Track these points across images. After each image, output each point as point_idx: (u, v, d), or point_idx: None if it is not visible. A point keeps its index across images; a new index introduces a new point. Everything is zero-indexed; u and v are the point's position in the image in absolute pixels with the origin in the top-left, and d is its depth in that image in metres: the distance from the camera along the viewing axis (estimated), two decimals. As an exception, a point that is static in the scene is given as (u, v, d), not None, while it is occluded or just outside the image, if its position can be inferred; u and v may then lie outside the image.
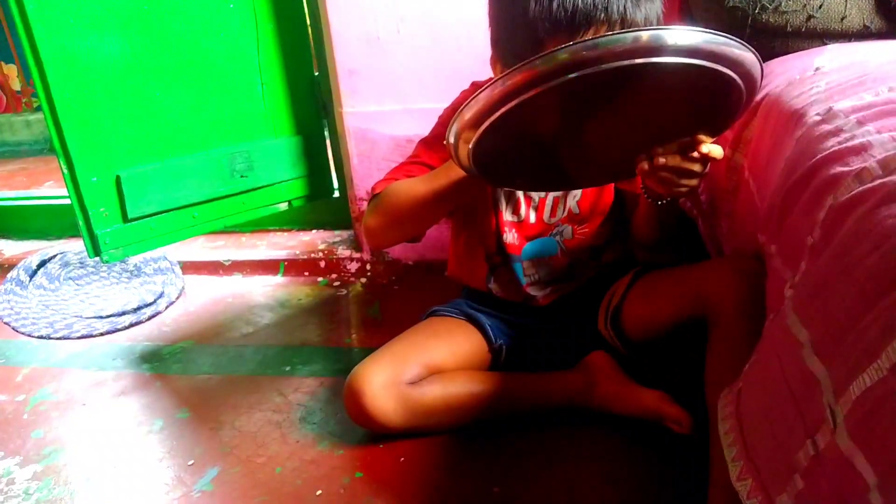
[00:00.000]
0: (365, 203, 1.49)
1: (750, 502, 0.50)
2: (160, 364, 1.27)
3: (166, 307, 1.52)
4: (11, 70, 3.83)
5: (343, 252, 1.63)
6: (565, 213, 1.01)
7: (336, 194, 1.65)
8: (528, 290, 1.03)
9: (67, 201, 1.27)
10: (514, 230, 1.01)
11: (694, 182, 0.75)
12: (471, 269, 1.07)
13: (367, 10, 1.38)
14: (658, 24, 0.78)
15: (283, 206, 1.53)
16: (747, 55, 0.61)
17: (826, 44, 0.94)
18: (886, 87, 0.62)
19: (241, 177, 1.42)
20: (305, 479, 0.90)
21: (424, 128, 1.01)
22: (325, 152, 1.58)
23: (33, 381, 1.24)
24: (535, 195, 1.00)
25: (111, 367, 1.27)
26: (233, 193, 1.43)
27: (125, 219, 1.29)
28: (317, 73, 1.53)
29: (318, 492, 0.87)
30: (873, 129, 0.54)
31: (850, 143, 0.54)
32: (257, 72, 1.42)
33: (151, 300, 1.51)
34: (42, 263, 1.68)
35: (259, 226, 1.81)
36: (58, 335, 1.42)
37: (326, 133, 1.58)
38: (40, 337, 1.42)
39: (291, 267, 1.65)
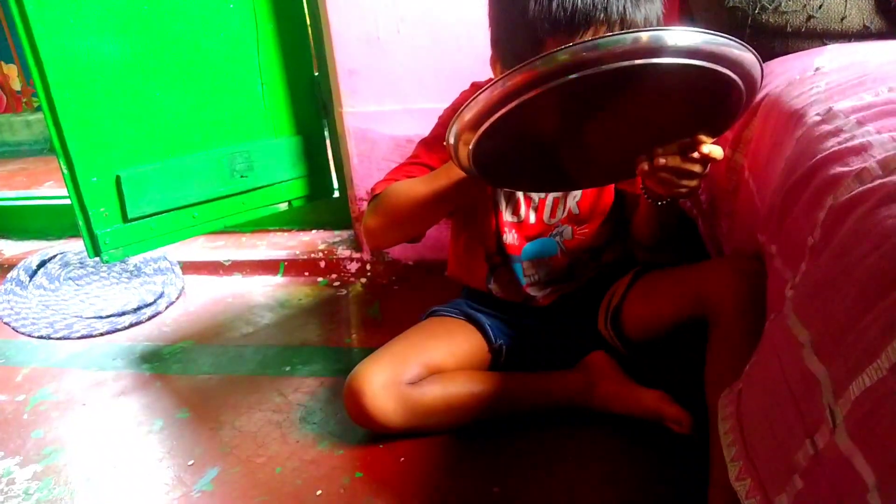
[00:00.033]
0: (365, 203, 1.49)
1: (749, 502, 0.50)
2: (160, 364, 1.27)
3: (166, 307, 1.52)
4: (12, 70, 3.83)
5: (343, 252, 1.63)
6: (565, 214, 1.01)
7: (336, 194, 1.65)
8: (527, 290, 1.03)
9: (67, 201, 1.27)
10: (513, 230, 1.01)
11: (694, 183, 0.75)
12: (471, 269, 1.07)
13: (367, 10, 1.38)
14: (658, 25, 0.78)
15: (283, 206, 1.53)
16: (747, 56, 0.61)
17: (826, 44, 0.94)
18: (886, 88, 0.62)
19: (241, 177, 1.42)
20: (305, 479, 0.90)
21: (424, 128, 1.01)
22: (325, 152, 1.59)
23: (33, 381, 1.24)
24: (535, 196, 1.00)
25: (111, 367, 1.27)
26: (233, 193, 1.43)
27: (125, 219, 1.29)
28: (317, 73, 1.53)
29: (318, 492, 0.87)
30: (873, 130, 0.54)
31: (850, 144, 0.54)
32: (257, 72, 1.42)
33: (151, 300, 1.51)
34: (42, 263, 1.68)
35: (259, 226, 1.82)
36: (58, 335, 1.42)
37: (326, 133, 1.58)
38: (40, 337, 1.42)
39: (291, 267, 1.65)
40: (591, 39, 0.57)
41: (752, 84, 0.64)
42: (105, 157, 1.25)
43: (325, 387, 1.13)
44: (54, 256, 1.70)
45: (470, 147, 0.68)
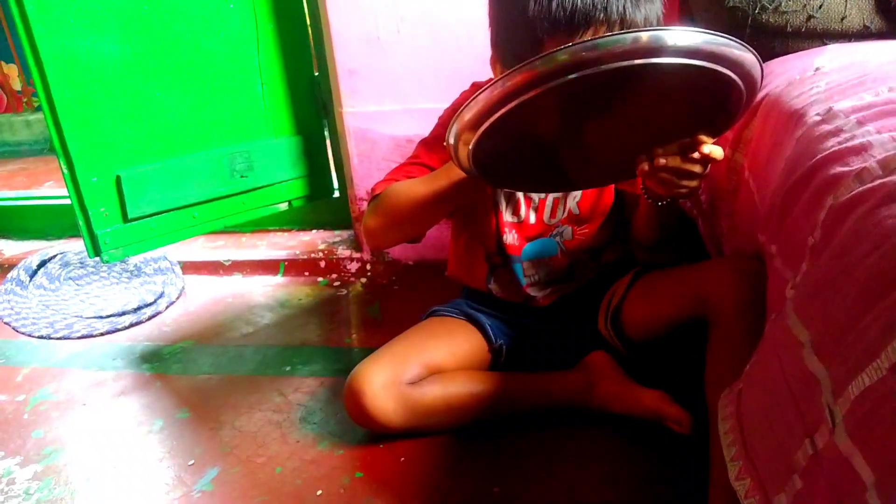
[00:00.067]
0: (365, 203, 1.49)
1: (748, 502, 0.50)
2: (160, 364, 1.27)
3: (166, 307, 1.52)
4: (12, 70, 3.83)
5: (343, 252, 1.63)
6: (565, 214, 1.01)
7: (336, 194, 1.65)
8: (528, 290, 1.03)
9: (67, 201, 1.27)
10: (514, 231, 1.01)
11: (694, 183, 0.75)
12: (471, 269, 1.07)
13: (367, 10, 1.38)
14: (658, 25, 0.78)
15: (284, 206, 1.53)
16: (747, 56, 0.61)
17: (826, 44, 0.94)
18: (886, 87, 0.62)
19: (242, 177, 1.42)
20: (305, 479, 0.90)
21: (424, 128, 1.01)
22: (325, 152, 1.59)
23: (33, 381, 1.25)
24: (535, 196, 1.00)
25: (111, 367, 1.27)
26: (233, 193, 1.43)
27: (125, 219, 1.29)
28: (317, 73, 1.53)
29: (319, 492, 0.87)
30: (873, 130, 0.54)
31: (850, 144, 0.54)
32: (257, 72, 1.42)
33: (151, 300, 1.51)
34: (42, 263, 1.68)
35: (259, 226, 1.82)
36: (58, 335, 1.42)
37: (326, 133, 1.58)
38: (40, 337, 1.42)
39: (291, 267, 1.65)
40: (591, 39, 0.57)
41: (752, 84, 0.64)
42: (105, 157, 1.25)
43: (326, 387, 1.13)
44: (54, 256, 1.70)
45: (470, 147, 0.68)
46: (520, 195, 1.00)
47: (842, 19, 0.93)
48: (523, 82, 0.59)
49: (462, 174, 0.81)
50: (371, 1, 1.37)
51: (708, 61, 0.59)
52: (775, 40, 0.97)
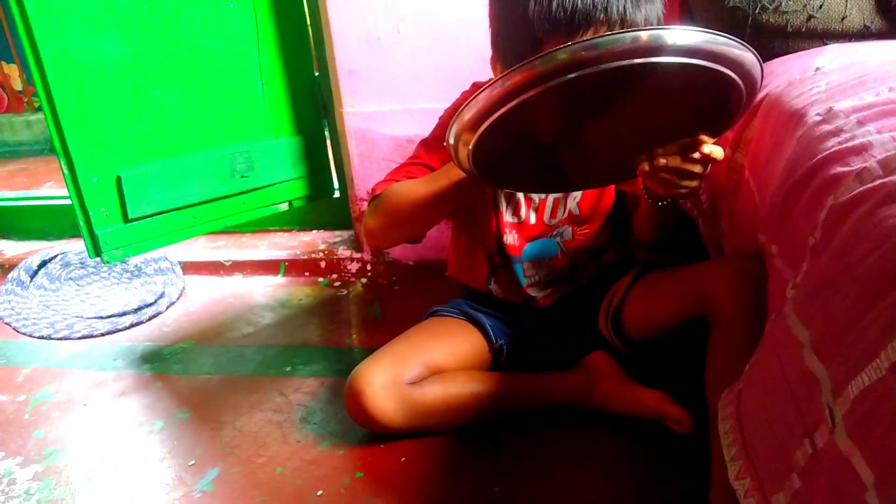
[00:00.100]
0: (365, 203, 1.49)
1: (747, 501, 0.50)
2: (161, 364, 1.27)
3: (167, 307, 1.52)
4: (12, 70, 3.83)
5: (343, 252, 1.63)
6: (566, 215, 1.01)
7: (336, 194, 1.65)
8: (528, 290, 1.03)
9: (68, 201, 1.27)
10: (514, 231, 1.01)
11: (694, 183, 0.75)
12: (471, 269, 1.07)
13: (367, 10, 1.38)
14: (658, 25, 0.78)
15: (284, 207, 1.53)
16: (747, 55, 0.61)
17: (826, 44, 0.94)
18: (887, 87, 0.62)
19: (242, 177, 1.42)
20: (306, 479, 0.90)
21: (424, 128, 1.01)
22: (326, 152, 1.59)
23: (34, 381, 1.25)
24: (536, 196, 1.00)
25: (112, 368, 1.27)
26: (233, 193, 1.43)
27: (126, 219, 1.29)
28: (317, 73, 1.54)
29: (319, 492, 0.87)
30: (874, 129, 0.54)
31: (850, 143, 0.54)
32: (257, 72, 1.42)
33: (152, 300, 1.51)
34: (43, 264, 1.68)
35: (259, 226, 1.82)
36: (59, 335, 1.42)
37: (326, 133, 1.58)
38: (41, 337, 1.43)
39: (292, 267, 1.65)
40: (590, 38, 0.57)
41: (752, 84, 0.64)
42: (105, 157, 1.25)
43: (326, 387, 1.13)
44: (55, 257, 1.70)
45: (470, 147, 0.68)
46: (520, 195, 1.00)
47: (842, 19, 0.93)
48: (523, 82, 0.59)
49: (462, 174, 0.80)
50: (371, 1, 1.37)
51: (708, 61, 0.59)
52: (775, 40, 0.97)
